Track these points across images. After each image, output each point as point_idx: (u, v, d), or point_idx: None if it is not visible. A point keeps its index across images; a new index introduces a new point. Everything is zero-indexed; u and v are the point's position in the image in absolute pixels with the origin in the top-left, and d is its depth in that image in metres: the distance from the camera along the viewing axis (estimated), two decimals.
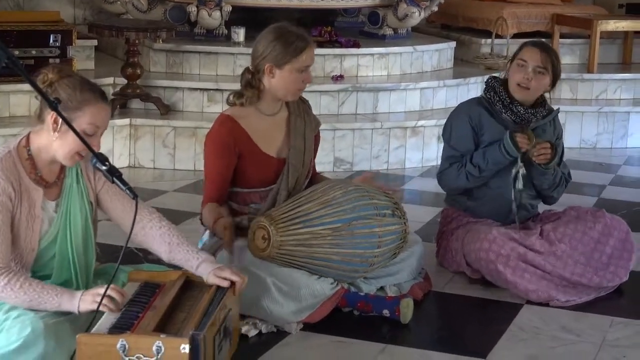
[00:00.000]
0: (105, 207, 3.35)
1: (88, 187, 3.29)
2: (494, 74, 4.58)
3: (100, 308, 3.02)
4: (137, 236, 3.34)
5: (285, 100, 4.02)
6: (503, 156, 4.30)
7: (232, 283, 3.28)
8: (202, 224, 4.02)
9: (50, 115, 3.06)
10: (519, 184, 4.36)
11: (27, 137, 3.17)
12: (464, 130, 4.40)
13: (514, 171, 4.35)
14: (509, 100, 4.39)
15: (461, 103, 4.65)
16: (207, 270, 3.27)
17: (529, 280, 4.17)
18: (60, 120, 3.02)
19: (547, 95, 4.47)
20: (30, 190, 3.14)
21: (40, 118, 3.13)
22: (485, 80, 4.56)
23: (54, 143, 3.09)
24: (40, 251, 3.18)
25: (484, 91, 4.48)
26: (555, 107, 4.58)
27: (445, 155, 4.48)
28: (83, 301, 3.04)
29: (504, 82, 4.44)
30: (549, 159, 4.33)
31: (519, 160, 4.32)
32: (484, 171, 4.34)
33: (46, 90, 3.05)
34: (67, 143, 3.08)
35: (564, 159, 4.55)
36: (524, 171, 4.35)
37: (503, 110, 4.39)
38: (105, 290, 3.03)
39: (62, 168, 3.24)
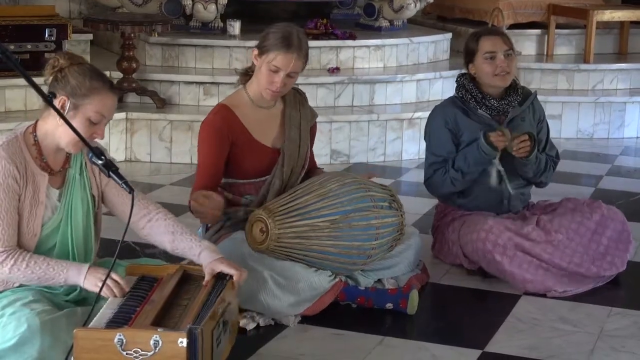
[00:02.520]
0: (111, 202, 3.36)
1: (91, 180, 3.31)
2: (463, 71, 4.52)
3: (103, 292, 3.06)
4: (144, 229, 3.36)
5: (262, 94, 3.97)
6: (482, 157, 4.26)
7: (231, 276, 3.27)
8: (191, 212, 4.00)
9: (57, 101, 3.09)
10: (496, 180, 4.31)
11: (35, 124, 3.20)
12: (441, 135, 4.35)
13: (493, 172, 4.28)
14: (481, 96, 4.35)
15: (436, 106, 4.55)
16: (208, 259, 3.27)
17: (527, 270, 4.17)
18: (67, 106, 3.08)
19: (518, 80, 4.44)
20: (35, 175, 3.16)
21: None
22: (455, 78, 4.51)
23: (59, 128, 3.11)
24: (41, 238, 3.20)
25: (455, 90, 4.43)
26: (534, 91, 4.53)
27: (427, 162, 4.43)
28: (87, 280, 3.11)
29: (473, 79, 4.41)
30: (529, 151, 4.29)
31: (496, 159, 4.26)
32: (467, 174, 4.30)
33: (56, 76, 3.11)
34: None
35: (550, 138, 4.50)
36: (502, 168, 4.29)
37: (477, 107, 4.36)
38: (106, 277, 3.06)
39: (67, 158, 3.26)
